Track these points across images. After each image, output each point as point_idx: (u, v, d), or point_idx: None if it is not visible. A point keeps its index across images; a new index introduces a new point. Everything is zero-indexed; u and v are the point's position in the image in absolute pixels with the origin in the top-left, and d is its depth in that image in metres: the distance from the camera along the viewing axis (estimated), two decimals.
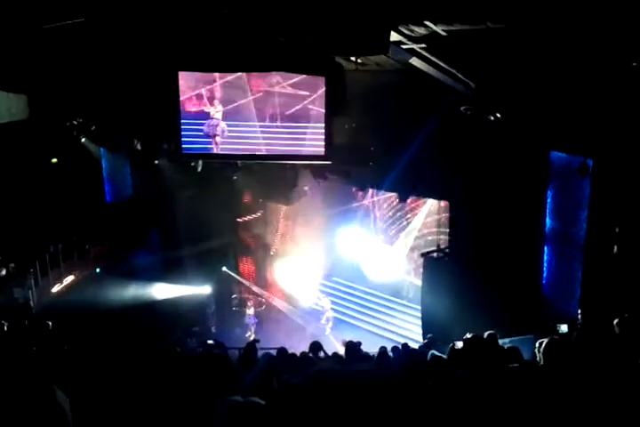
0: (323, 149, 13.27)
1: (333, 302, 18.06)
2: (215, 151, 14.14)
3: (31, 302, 14.22)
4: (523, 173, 10.88)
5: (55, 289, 15.83)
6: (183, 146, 14.25)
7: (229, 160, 14.99)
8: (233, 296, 18.29)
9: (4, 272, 14.00)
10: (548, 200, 10.92)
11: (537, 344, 7.00)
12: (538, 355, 6.66)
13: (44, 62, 13.75)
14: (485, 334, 7.79)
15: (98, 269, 17.59)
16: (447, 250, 12.62)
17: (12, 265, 14.29)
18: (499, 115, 9.79)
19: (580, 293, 10.41)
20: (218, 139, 14.04)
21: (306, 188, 16.22)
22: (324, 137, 13.23)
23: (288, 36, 9.58)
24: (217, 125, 13.87)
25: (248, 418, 2.28)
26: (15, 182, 16.44)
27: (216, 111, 13.89)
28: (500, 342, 7.86)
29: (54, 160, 18.54)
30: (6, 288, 13.75)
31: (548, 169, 10.75)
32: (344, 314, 17.49)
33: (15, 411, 2.26)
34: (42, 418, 2.25)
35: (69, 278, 16.47)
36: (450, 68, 9.56)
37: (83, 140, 17.92)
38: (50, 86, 15.03)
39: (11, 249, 15.18)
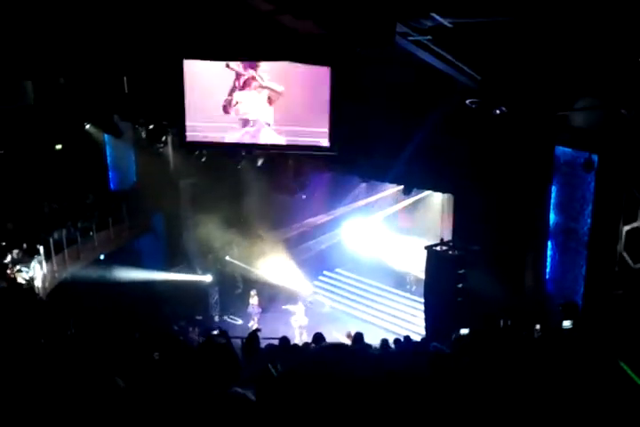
0: (327, 140, 13.25)
1: (336, 294, 18.14)
2: (219, 140, 14.10)
3: (35, 288, 14.29)
4: (527, 168, 10.85)
5: (59, 275, 15.90)
6: (187, 134, 14.23)
7: (233, 149, 14.93)
8: (237, 289, 18.35)
9: (9, 258, 14.05)
10: (553, 195, 10.89)
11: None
12: None
13: (51, 48, 13.74)
14: (487, 327, 7.86)
15: (102, 256, 17.66)
16: (450, 243, 12.62)
17: (17, 251, 14.35)
18: (504, 108, 9.75)
19: (583, 288, 10.42)
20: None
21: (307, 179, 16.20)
22: (328, 128, 13.20)
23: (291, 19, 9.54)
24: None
25: (238, 411, 2.34)
26: (20, 168, 16.48)
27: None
28: None
29: (58, 146, 18.57)
30: (11, 274, 13.81)
31: (552, 164, 10.72)
32: (347, 306, 17.55)
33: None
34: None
35: (73, 264, 16.53)
36: (456, 61, 9.51)
37: (87, 126, 17.96)
38: (55, 73, 15.03)
39: (15, 235, 15.25)
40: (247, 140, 13.90)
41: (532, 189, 11.00)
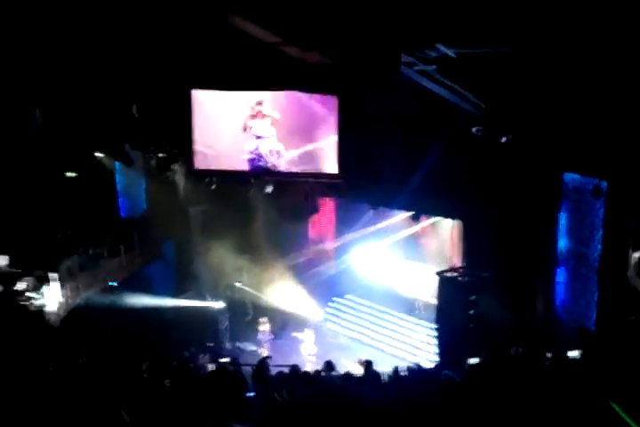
0: (337, 168, 13.35)
1: (346, 320, 18.04)
2: (228, 168, 14.23)
3: (46, 315, 14.35)
4: (536, 194, 10.89)
5: (72, 301, 15.96)
6: (195, 162, 14.40)
7: (242, 177, 15.07)
8: (247, 315, 18.31)
9: (24, 285, 14.15)
10: (562, 221, 10.90)
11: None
12: None
13: (61, 76, 14.00)
14: (499, 355, 7.81)
15: (113, 283, 17.73)
16: (461, 269, 12.61)
17: (29, 278, 14.45)
18: (510, 136, 9.84)
19: (595, 314, 10.36)
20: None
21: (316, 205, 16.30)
22: (337, 156, 13.32)
23: (302, 49, 9.70)
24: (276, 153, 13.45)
25: None
26: (30, 196, 16.67)
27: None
28: None
29: (70, 174, 18.79)
30: (23, 301, 13.89)
31: (561, 190, 10.75)
32: (357, 332, 17.45)
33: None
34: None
35: (85, 291, 16.60)
36: (460, 90, 9.64)
37: (98, 154, 18.21)
38: (64, 100, 15.27)
39: (27, 262, 15.36)
40: (256, 167, 13.97)
41: (540, 216, 11.02)
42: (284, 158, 13.72)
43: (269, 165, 13.75)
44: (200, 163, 14.44)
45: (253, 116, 13.43)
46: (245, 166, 13.94)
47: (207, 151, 14.32)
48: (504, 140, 9.90)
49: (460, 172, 11.49)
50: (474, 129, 10.10)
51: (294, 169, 13.78)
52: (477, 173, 11.38)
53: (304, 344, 15.74)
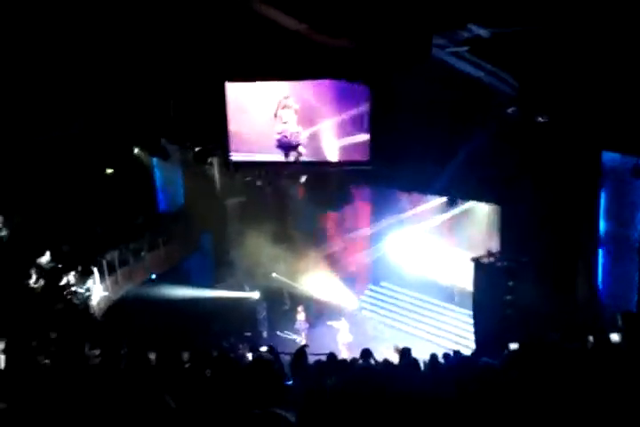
0: (367, 155, 13.41)
1: (382, 308, 18.00)
2: (262, 160, 14.35)
3: (91, 309, 14.69)
4: (574, 175, 10.64)
5: (113, 295, 16.31)
6: (231, 154, 14.51)
7: (276, 168, 15.17)
8: (284, 305, 18.43)
9: (64, 280, 14.49)
10: (602, 202, 10.63)
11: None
12: None
13: (96, 76, 14.22)
14: (541, 340, 7.68)
15: (153, 275, 18.04)
16: (498, 255, 12.42)
17: (73, 273, 14.79)
18: (546, 116, 9.61)
19: (637, 297, 10.10)
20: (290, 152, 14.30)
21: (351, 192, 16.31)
22: (369, 142, 13.33)
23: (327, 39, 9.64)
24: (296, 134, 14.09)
25: None
26: (71, 193, 17.03)
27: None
28: None
29: (109, 171, 19.14)
30: (67, 295, 14.23)
31: (600, 170, 10.48)
32: (393, 319, 17.40)
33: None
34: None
35: (125, 285, 16.94)
36: (495, 70, 9.45)
37: (136, 150, 18.50)
38: (102, 98, 15.51)
39: (70, 257, 15.72)
40: (288, 158, 14.20)
41: (580, 197, 10.77)
42: (316, 148, 13.88)
43: (294, 144, 14.08)
44: (235, 156, 14.57)
45: (283, 107, 13.98)
46: (278, 158, 14.24)
47: (242, 144, 14.46)
48: (541, 120, 9.66)
49: (496, 154, 11.28)
50: (510, 110, 9.89)
51: (325, 159, 13.95)
52: (514, 155, 11.15)
53: (339, 333, 15.76)
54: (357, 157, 13.68)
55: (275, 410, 2.32)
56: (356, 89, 13.28)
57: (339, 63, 11.96)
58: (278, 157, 14.31)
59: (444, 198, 14.87)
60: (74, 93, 14.80)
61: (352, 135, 13.60)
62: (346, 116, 13.60)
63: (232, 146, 14.46)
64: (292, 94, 13.99)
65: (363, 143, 13.51)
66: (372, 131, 13.27)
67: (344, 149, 13.75)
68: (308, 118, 14.01)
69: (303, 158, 14.19)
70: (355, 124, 13.52)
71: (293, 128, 14.19)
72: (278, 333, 17.17)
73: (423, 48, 7.95)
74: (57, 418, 3.35)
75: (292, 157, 15.00)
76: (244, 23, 12.12)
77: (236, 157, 14.64)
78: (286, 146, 14.32)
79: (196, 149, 16.21)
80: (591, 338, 7.57)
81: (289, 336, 16.81)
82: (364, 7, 8.22)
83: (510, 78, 9.74)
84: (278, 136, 14.27)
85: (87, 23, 11.29)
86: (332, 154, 13.95)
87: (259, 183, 16.74)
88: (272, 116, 14.14)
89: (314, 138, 14.01)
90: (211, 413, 4.43)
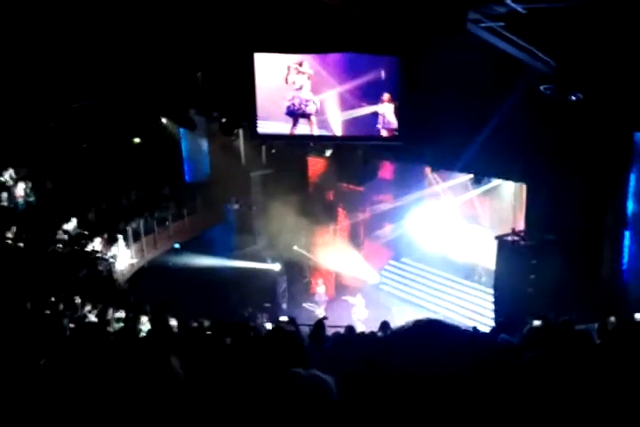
0: (395, 130, 13.32)
1: (402, 283, 18.03)
2: (290, 132, 14.31)
3: (115, 275, 14.95)
4: (604, 155, 10.46)
5: (137, 263, 16.56)
6: (258, 126, 14.49)
7: (303, 141, 15.14)
8: (304, 278, 18.56)
9: (90, 247, 14.73)
10: (631, 183, 10.46)
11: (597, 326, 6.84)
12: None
13: (123, 45, 14.24)
14: (560, 319, 7.64)
15: (177, 245, 18.27)
16: (522, 233, 12.32)
17: (98, 239, 15.02)
18: (580, 94, 9.41)
19: None
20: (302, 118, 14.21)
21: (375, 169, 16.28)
22: (396, 118, 13.25)
23: (360, 11, 9.51)
24: (308, 102, 14.03)
25: (313, 392, 2.25)
26: (100, 161, 17.22)
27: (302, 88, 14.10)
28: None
29: (136, 140, 19.28)
30: (92, 261, 14.49)
31: (631, 150, 10.29)
32: (413, 295, 17.44)
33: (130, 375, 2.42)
34: (158, 380, 2.42)
35: (149, 253, 17.18)
36: (530, 47, 9.25)
37: (163, 120, 18.57)
38: (129, 68, 15.55)
39: (96, 225, 15.97)
40: (314, 131, 14.13)
41: (609, 177, 10.60)
42: (337, 121, 13.84)
43: (306, 112, 13.95)
44: (262, 128, 14.56)
45: (297, 73, 13.87)
46: (304, 131, 14.21)
47: (269, 116, 14.44)
48: (574, 98, 9.47)
49: (525, 132, 11.12)
50: (543, 87, 9.69)
51: (352, 133, 13.85)
52: (544, 133, 10.98)
53: (354, 309, 15.82)
54: (366, 131, 13.71)
55: (317, 372, 2.29)
56: (371, 59, 13.24)
57: (370, 35, 11.83)
58: (303, 128, 14.18)
59: (470, 176, 14.73)
60: (104, 63, 14.86)
61: (361, 107, 13.55)
62: (358, 87, 13.53)
63: (259, 119, 14.45)
64: (305, 59, 13.77)
65: (372, 116, 13.49)
66: (399, 105, 13.16)
67: (352, 121, 13.70)
68: (320, 87, 13.79)
69: (314, 130, 14.04)
70: (365, 96, 13.46)
71: (306, 95, 13.99)
72: (304, 305, 17.26)
73: (458, 22, 7.79)
74: (72, 381, 3.41)
75: (328, 152, 14.96)
76: None
77: (262, 128, 14.64)
78: (296, 114, 14.16)
79: (223, 120, 16.24)
80: (613, 319, 7.53)
81: (309, 308, 16.95)
82: None
83: (545, 55, 9.53)
84: (288, 103, 14.07)
85: None
86: (339, 127, 13.89)
87: (328, 153, 16.14)
88: (284, 82, 13.88)
89: (325, 108, 13.85)
90: (232, 379, 4.50)
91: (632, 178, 10.41)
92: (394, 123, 13.50)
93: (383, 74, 13.27)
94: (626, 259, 10.70)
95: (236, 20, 13.04)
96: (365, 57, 13.38)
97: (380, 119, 13.62)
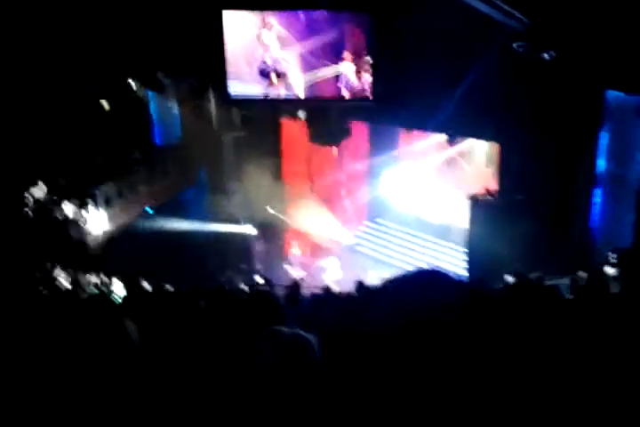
0: (360, 91, 13.30)
1: (377, 244, 18.13)
2: (273, 92, 14.10)
3: (86, 241, 14.78)
4: (576, 113, 10.51)
5: (108, 228, 16.37)
6: (229, 89, 14.24)
7: (275, 104, 14.96)
8: (279, 239, 18.56)
9: (64, 212, 14.49)
10: (602, 141, 10.56)
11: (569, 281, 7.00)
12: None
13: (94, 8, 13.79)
14: (532, 275, 7.79)
15: (149, 209, 18.08)
16: (495, 192, 12.44)
17: (70, 205, 14.78)
18: (553, 52, 9.38)
19: (633, 237, 10.19)
20: (273, 77, 13.99)
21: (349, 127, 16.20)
22: (370, 78, 13.16)
23: None
24: (279, 60, 13.82)
25: (295, 350, 2.22)
26: (66, 124, 16.79)
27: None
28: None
29: (104, 103, 18.80)
30: (64, 227, 14.28)
31: (602, 109, 10.34)
32: (388, 256, 17.59)
33: (86, 339, 2.36)
34: (111, 344, 2.36)
35: (121, 218, 16.98)
36: (503, 4, 9.16)
37: (131, 82, 18.10)
38: (96, 28, 15.07)
39: (65, 190, 15.68)
40: (285, 93, 13.98)
41: (581, 135, 10.69)
42: (299, 82, 13.73)
43: (278, 71, 13.90)
44: (233, 90, 14.31)
45: (263, 27, 13.75)
46: (276, 94, 14.05)
47: (240, 78, 14.19)
48: (546, 56, 9.44)
49: (498, 91, 11.10)
50: (515, 45, 9.64)
51: (310, 94, 13.83)
52: (517, 92, 10.98)
53: (326, 272, 15.86)
54: (329, 92, 13.74)
55: (299, 331, 2.25)
56: (337, 18, 13.09)
57: None
58: (273, 89, 13.95)
59: (444, 136, 14.73)
60: (68, 25, 14.39)
61: (323, 66, 13.57)
62: (320, 46, 13.46)
63: (230, 81, 14.17)
64: (272, 17, 13.58)
65: (333, 78, 13.55)
66: (371, 65, 13.04)
67: (315, 82, 13.74)
68: (287, 46, 13.59)
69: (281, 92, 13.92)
70: (327, 55, 13.48)
71: (276, 53, 13.75)
72: (288, 267, 17.16)
73: None
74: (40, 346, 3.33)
75: (301, 114, 14.75)
76: None
77: (234, 90, 14.38)
78: (268, 72, 14.01)
79: (193, 83, 15.93)
80: (582, 274, 7.68)
81: (298, 271, 16.82)
82: None
83: (518, 13, 9.45)
84: (259, 62, 13.91)
85: None
86: (302, 88, 13.89)
87: (301, 115, 16.28)
88: (254, 40, 13.67)
89: (289, 69, 13.78)
90: (208, 340, 4.49)
91: (604, 136, 10.49)
92: (355, 83, 13.42)
93: (347, 33, 13.14)
94: (597, 217, 10.89)
95: None
96: (331, 15, 13.18)
97: (342, 79, 13.55)
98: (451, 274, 1.93)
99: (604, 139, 10.50)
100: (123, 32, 15.22)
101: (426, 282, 1.84)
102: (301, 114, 16.24)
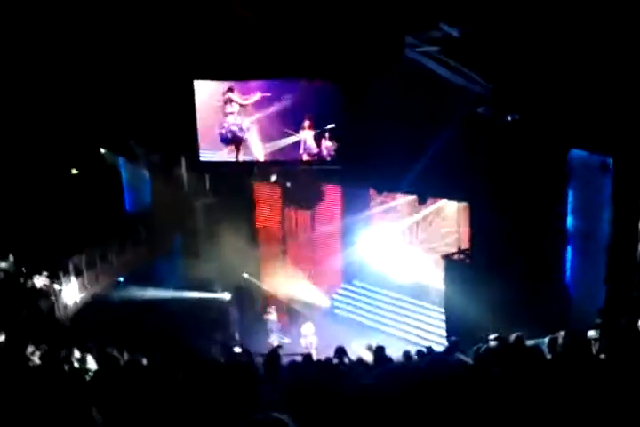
0: (327, 155, 13.82)
1: (355, 306, 17.98)
2: (232, 159, 14.32)
3: (56, 312, 14.38)
4: (542, 172, 10.79)
5: (79, 299, 16.00)
6: (200, 155, 14.41)
7: (246, 167, 15.16)
8: (255, 306, 18.30)
9: (32, 284, 14.16)
10: (570, 199, 10.81)
11: (547, 341, 6.97)
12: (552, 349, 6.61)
13: (65, 73, 13.97)
14: (512, 337, 7.74)
15: (121, 279, 17.76)
16: (468, 252, 12.54)
17: (38, 277, 14.45)
18: (517, 115, 9.72)
19: (605, 293, 10.28)
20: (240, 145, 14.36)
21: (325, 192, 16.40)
22: (329, 143, 13.70)
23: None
24: (240, 129, 14.21)
25: None
26: (36, 193, 16.67)
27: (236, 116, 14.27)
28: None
29: (74, 171, 18.79)
30: (32, 299, 13.91)
31: (567, 167, 10.65)
32: (366, 318, 17.42)
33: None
34: None
35: (92, 288, 16.64)
36: (465, 70, 9.53)
37: (102, 151, 18.20)
38: (67, 98, 15.25)
39: (35, 261, 15.37)
40: (246, 158, 14.38)
41: (548, 194, 10.93)
42: (263, 147, 14.05)
43: (237, 137, 14.42)
44: (204, 156, 14.52)
45: (225, 101, 14.36)
46: (246, 158, 14.36)
47: (210, 144, 14.41)
48: (510, 118, 9.77)
49: (466, 153, 11.41)
50: (480, 109, 9.98)
51: (271, 157, 14.51)
52: (483, 153, 11.29)
53: (303, 337, 15.54)
54: (289, 156, 14.43)
55: (274, 414, 2.20)
56: (298, 87, 13.80)
57: (308, 63, 11.97)
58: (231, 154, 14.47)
59: (415, 196, 14.94)
60: (43, 92, 14.56)
61: (283, 134, 14.23)
62: (280, 114, 14.07)
63: (201, 148, 14.39)
64: (236, 88, 14.15)
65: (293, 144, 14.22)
66: (338, 130, 13.42)
67: (275, 147, 14.43)
68: (247, 113, 14.18)
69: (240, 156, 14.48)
70: (287, 124, 14.15)
71: (236, 120, 14.26)
72: (279, 337, 16.75)
73: (396, 48, 7.98)
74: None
75: (273, 177, 15.16)
76: (211, 22, 12.06)
77: (204, 157, 14.55)
78: (229, 140, 14.48)
79: (165, 150, 16.05)
80: (562, 333, 7.66)
81: (286, 340, 16.40)
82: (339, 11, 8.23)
83: (480, 78, 9.83)
84: (221, 130, 14.42)
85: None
86: (261, 152, 14.54)
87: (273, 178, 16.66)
88: (220, 110, 14.21)
89: (250, 135, 14.33)
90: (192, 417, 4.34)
91: (570, 194, 10.74)
92: (314, 148, 14.03)
93: (307, 100, 13.69)
94: (569, 273, 10.99)
95: (175, 49, 13.00)
96: (292, 84, 13.76)
97: (302, 145, 13.99)
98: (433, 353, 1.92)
99: (570, 197, 10.76)
100: (94, 101, 15.43)
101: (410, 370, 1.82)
102: (273, 178, 16.40)
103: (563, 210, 10.83)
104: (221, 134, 14.29)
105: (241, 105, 14.08)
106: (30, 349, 10.25)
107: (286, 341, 15.79)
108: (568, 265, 11.05)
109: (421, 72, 9.88)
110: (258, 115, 14.14)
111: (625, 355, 5.74)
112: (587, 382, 4.91)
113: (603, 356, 6.17)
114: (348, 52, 9.47)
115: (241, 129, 14.24)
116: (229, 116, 14.18)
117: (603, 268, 10.39)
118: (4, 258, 14.43)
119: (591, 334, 7.16)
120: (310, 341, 15.43)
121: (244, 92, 14.06)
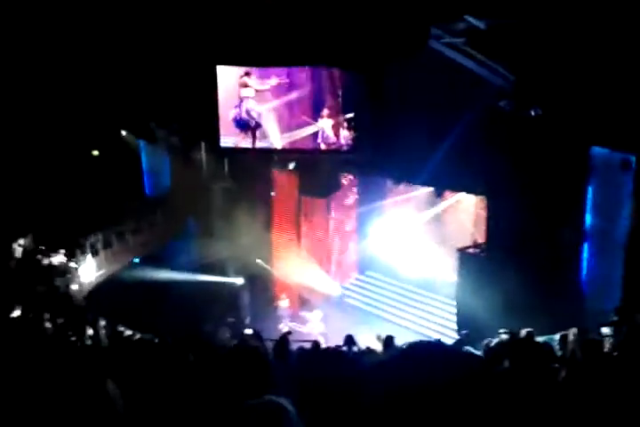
0: (344, 144, 13.70)
1: (367, 296, 17.99)
2: (252, 145, 14.34)
3: (71, 291, 14.56)
4: (563, 169, 10.68)
5: (94, 278, 16.18)
6: (220, 140, 14.44)
7: (265, 154, 15.17)
8: (267, 291, 18.37)
9: (47, 262, 14.33)
10: (589, 196, 10.70)
11: (558, 337, 6.95)
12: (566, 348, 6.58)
13: (88, 57, 14.04)
14: (523, 332, 7.72)
15: (136, 259, 17.93)
16: (483, 246, 12.48)
17: (55, 255, 14.63)
18: (539, 109, 9.61)
19: (621, 291, 10.19)
20: (255, 132, 14.34)
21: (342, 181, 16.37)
22: (347, 133, 13.62)
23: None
24: (254, 114, 14.18)
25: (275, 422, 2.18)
26: (57, 173, 16.83)
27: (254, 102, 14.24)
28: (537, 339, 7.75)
29: (95, 152, 18.94)
30: (49, 277, 14.09)
31: (588, 164, 10.53)
32: (377, 308, 17.42)
33: (67, 403, 2.30)
34: (93, 408, 2.30)
35: (108, 268, 16.82)
36: (490, 62, 9.43)
37: (123, 133, 18.30)
38: (87, 80, 15.31)
39: (54, 240, 15.54)
40: (263, 145, 14.37)
41: (567, 191, 10.83)
42: (281, 136, 14.03)
43: (250, 122, 14.46)
44: (224, 141, 14.55)
45: (241, 85, 14.37)
46: (265, 145, 14.38)
47: (230, 130, 14.44)
48: (533, 113, 9.66)
49: (486, 146, 11.30)
50: (502, 102, 9.88)
51: (291, 145, 14.34)
52: (504, 147, 11.17)
53: (310, 324, 15.59)
54: (307, 145, 14.39)
55: (270, 398, 2.20)
56: (320, 74, 13.76)
57: (331, 51, 11.91)
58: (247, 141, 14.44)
59: (432, 189, 14.88)
60: (65, 75, 14.65)
61: (302, 121, 14.22)
62: (301, 102, 14.03)
63: (222, 132, 14.42)
64: (253, 72, 14.15)
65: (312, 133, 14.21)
66: (358, 120, 13.38)
67: (294, 135, 14.36)
68: (267, 100, 14.12)
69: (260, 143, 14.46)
70: (306, 112, 14.09)
71: (250, 105, 14.21)
72: (295, 324, 16.80)
73: (421, 38, 7.91)
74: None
75: (291, 165, 15.45)
76: (236, 7, 12.02)
77: (224, 142, 14.58)
78: (243, 124, 14.45)
79: (185, 134, 16.11)
80: (574, 330, 7.62)
81: (302, 327, 16.45)
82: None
83: (504, 71, 9.73)
84: (235, 115, 14.40)
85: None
86: (279, 140, 14.48)
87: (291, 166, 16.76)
88: (236, 93, 14.15)
89: (267, 122, 14.32)
90: (195, 401, 4.37)
91: (590, 191, 10.64)
92: (332, 137, 13.99)
93: (327, 89, 13.64)
94: (585, 271, 10.90)
95: (200, 33, 12.99)
96: (312, 72, 13.70)
97: (320, 134, 13.93)
98: (443, 345, 1.91)
99: (590, 194, 10.65)
100: (117, 83, 15.50)
101: (420, 358, 1.82)
102: (291, 165, 16.41)
103: (582, 207, 10.72)
104: (234, 119, 14.29)
105: (257, 90, 14.01)
106: (46, 324, 10.43)
107: (299, 328, 15.83)
108: (584, 262, 10.96)
109: (444, 64, 9.80)
110: (276, 102, 14.07)
111: (637, 352, 5.70)
112: (598, 379, 4.90)
113: (615, 353, 6.14)
114: (371, 41, 9.40)
115: (254, 114, 14.20)
116: (244, 101, 14.15)
117: (619, 266, 10.29)
118: (24, 235, 14.60)
119: (605, 331, 7.12)
120: (314, 327, 15.47)
121: (261, 77, 14.00)
